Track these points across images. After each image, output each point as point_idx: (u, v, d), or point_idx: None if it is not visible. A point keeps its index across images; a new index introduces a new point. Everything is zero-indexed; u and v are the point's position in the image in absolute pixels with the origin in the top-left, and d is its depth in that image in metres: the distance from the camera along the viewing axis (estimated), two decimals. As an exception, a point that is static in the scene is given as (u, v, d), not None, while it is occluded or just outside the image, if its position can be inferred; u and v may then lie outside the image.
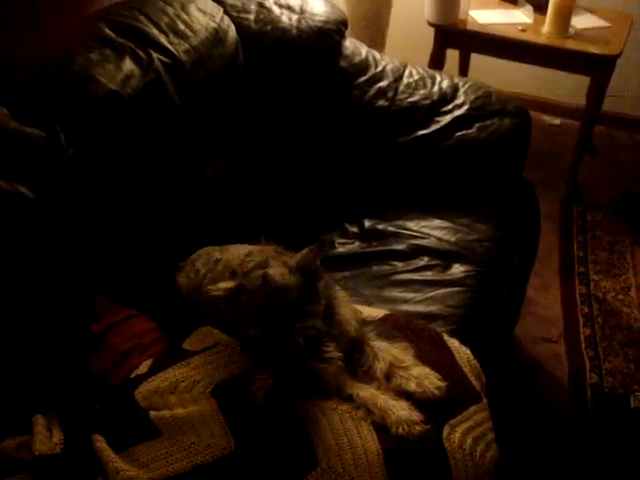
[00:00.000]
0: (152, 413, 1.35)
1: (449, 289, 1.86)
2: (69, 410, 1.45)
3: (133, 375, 1.49)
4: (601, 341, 2.58)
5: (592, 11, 3.21)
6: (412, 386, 1.42)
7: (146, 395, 1.40)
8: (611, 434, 2.24)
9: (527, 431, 2.24)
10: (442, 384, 1.43)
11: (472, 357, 1.58)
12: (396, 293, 1.84)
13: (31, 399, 1.48)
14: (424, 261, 1.94)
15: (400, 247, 1.98)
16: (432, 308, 1.78)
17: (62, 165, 1.62)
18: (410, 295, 1.83)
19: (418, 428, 1.35)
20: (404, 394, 1.40)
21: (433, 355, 1.54)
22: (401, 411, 1.36)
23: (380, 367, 1.45)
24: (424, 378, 1.43)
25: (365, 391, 1.39)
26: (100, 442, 1.34)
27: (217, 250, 1.69)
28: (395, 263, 1.94)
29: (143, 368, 1.50)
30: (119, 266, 1.76)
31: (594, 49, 2.93)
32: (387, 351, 1.49)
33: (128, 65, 1.81)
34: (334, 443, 1.30)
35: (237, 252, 1.59)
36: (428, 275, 1.90)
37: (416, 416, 1.36)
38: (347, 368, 1.42)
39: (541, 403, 2.35)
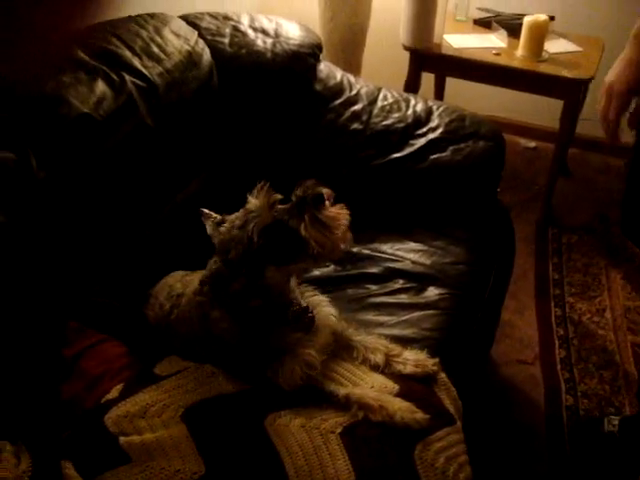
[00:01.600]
0: (122, 439, 1.34)
1: (424, 312, 1.85)
2: (38, 436, 1.42)
3: (104, 400, 1.47)
4: (577, 363, 2.59)
5: (565, 36, 3.25)
6: (411, 368, 1.53)
7: (116, 420, 1.38)
8: (586, 457, 2.24)
9: (502, 453, 2.23)
10: (434, 361, 1.56)
11: (448, 382, 1.58)
12: (370, 316, 1.83)
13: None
14: (399, 284, 1.94)
15: (375, 270, 1.98)
16: (407, 331, 1.77)
17: (33, 188, 1.60)
18: (384, 318, 1.82)
19: (420, 415, 1.39)
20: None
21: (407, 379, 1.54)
22: (398, 402, 1.41)
23: (378, 358, 1.54)
24: (419, 359, 1.56)
25: (357, 389, 1.44)
26: (69, 469, 1.32)
27: (179, 281, 1.67)
28: (370, 286, 1.93)
29: (114, 393, 1.48)
30: (90, 290, 1.74)
31: (567, 73, 2.96)
32: (377, 342, 1.58)
33: (101, 88, 1.80)
34: (304, 463, 1.30)
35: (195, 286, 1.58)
36: (403, 298, 1.89)
37: (413, 406, 1.41)
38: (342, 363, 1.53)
39: (517, 425, 2.35)
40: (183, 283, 1.65)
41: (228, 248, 1.40)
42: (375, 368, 1.54)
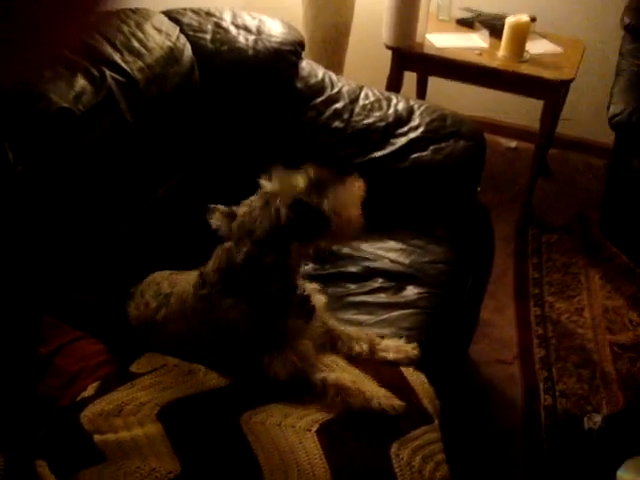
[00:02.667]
0: (96, 437, 1.33)
1: (402, 311, 1.85)
2: (11, 434, 1.41)
3: (79, 398, 1.46)
4: (555, 362, 2.60)
5: (546, 37, 3.27)
6: (392, 355, 1.60)
7: (91, 418, 1.37)
8: (565, 456, 2.25)
9: (480, 453, 2.24)
10: (412, 346, 1.63)
11: (425, 380, 1.59)
12: (350, 315, 1.83)
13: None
14: (378, 283, 1.94)
15: (354, 269, 1.98)
16: (385, 330, 1.77)
17: (10, 181, 1.59)
18: (363, 317, 1.82)
19: (397, 402, 1.43)
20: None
21: (386, 376, 1.54)
22: (376, 388, 1.46)
23: (363, 347, 1.59)
24: (399, 345, 1.63)
25: (333, 373, 1.47)
26: (43, 468, 1.31)
27: (166, 280, 1.66)
28: (349, 285, 1.93)
29: (90, 390, 1.47)
30: (68, 286, 1.73)
31: (548, 74, 2.98)
32: (358, 332, 1.64)
33: (80, 82, 1.79)
34: (279, 461, 1.29)
35: (186, 283, 1.58)
36: (382, 297, 1.90)
37: (389, 393, 1.46)
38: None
39: (495, 424, 2.36)
40: (170, 282, 1.64)
41: (252, 228, 1.41)
42: (358, 357, 1.57)
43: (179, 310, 1.56)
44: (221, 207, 1.47)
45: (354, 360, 1.58)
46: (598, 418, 2.24)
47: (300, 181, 1.42)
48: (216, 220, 1.46)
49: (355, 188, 1.45)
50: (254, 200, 1.43)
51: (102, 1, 0.48)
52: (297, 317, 1.50)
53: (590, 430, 2.22)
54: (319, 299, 1.61)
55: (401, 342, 1.65)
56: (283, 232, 1.39)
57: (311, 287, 1.62)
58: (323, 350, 1.57)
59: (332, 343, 1.60)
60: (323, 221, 1.39)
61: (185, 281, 1.59)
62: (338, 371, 1.50)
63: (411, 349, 1.62)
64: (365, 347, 1.59)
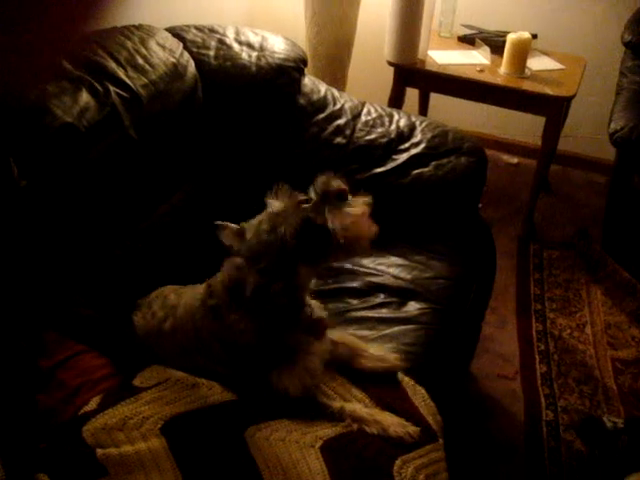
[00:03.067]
0: (99, 451, 1.32)
1: (404, 327, 1.85)
2: (13, 448, 1.41)
3: (82, 412, 1.46)
4: (557, 378, 2.60)
5: (547, 54, 3.28)
6: (373, 363, 1.60)
7: (93, 432, 1.37)
8: (567, 471, 2.25)
9: (482, 469, 2.24)
10: (395, 356, 1.64)
11: (427, 397, 1.59)
12: (351, 330, 1.81)
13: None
14: (379, 298, 1.94)
15: (355, 284, 1.98)
16: (387, 346, 1.76)
17: (14, 196, 1.60)
18: (365, 332, 1.82)
19: (412, 428, 1.44)
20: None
21: (388, 395, 1.55)
22: (389, 418, 1.46)
23: (343, 352, 1.60)
24: (383, 355, 1.63)
25: (349, 404, 1.48)
26: (44, 481, 1.31)
27: (173, 292, 1.67)
28: (350, 300, 1.93)
29: (92, 404, 1.47)
30: (70, 300, 1.74)
31: (549, 90, 2.99)
32: (344, 337, 1.64)
33: (85, 98, 1.80)
34: (283, 477, 1.30)
35: (193, 295, 1.58)
36: (383, 312, 1.90)
37: (403, 421, 1.46)
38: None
39: (496, 440, 2.35)
40: (177, 294, 1.65)
41: (259, 255, 1.40)
42: (339, 361, 1.58)
43: (187, 320, 1.56)
44: (231, 225, 1.47)
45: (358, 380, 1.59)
46: (616, 419, 2.24)
47: (306, 199, 1.42)
48: (227, 238, 1.46)
49: (363, 203, 1.45)
50: (262, 222, 1.41)
51: (95, 18, 0.49)
52: (306, 333, 1.50)
53: (615, 430, 2.21)
54: (324, 317, 1.61)
55: (385, 351, 1.65)
56: (290, 257, 1.39)
57: (316, 305, 1.61)
58: (330, 367, 1.57)
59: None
60: (330, 240, 1.38)
61: (192, 293, 1.60)
62: (350, 399, 1.51)
63: (393, 359, 1.62)
64: (346, 353, 1.59)
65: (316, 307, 1.60)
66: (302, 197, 1.42)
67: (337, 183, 1.41)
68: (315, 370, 1.47)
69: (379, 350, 1.64)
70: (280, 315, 1.46)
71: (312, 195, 1.42)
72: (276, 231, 1.38)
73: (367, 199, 1.45)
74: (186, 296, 1.61)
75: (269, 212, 1.42)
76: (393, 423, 1.44)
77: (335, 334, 1.62)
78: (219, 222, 1.48)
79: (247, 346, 1.48)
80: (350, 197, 1.43)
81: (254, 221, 1.43)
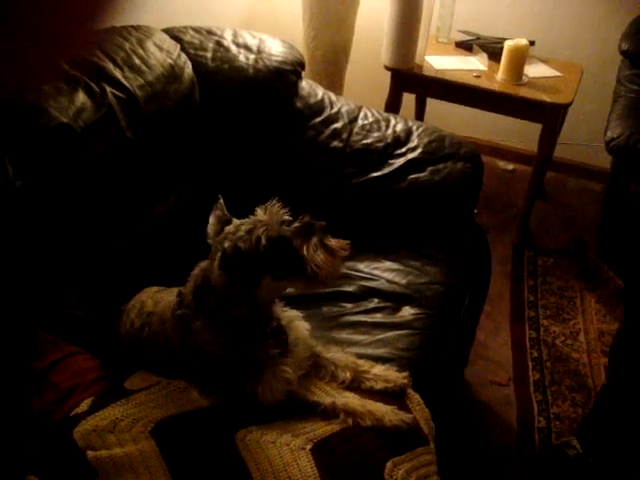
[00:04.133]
0: (89, 453, 1.32)
1: (398, 332, 1.85)
2: (5, 450, 1.40)
3: (73, 413, 1.45)
4: (550, 385, 2.60)
5: (545, 61, 3.29)
6: (381, 384, 1.56)
7: (84, 434, 1.36)
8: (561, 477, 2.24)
9: (474, 474, 2.23)
10: (403, 375, 1.59)
11: (421, 401, 1.58)
12: (345, 335, 1.82)
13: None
14: (374, 303, 1.94)
15: (350, 289, 1.98)
16: (381, 351, 1.77)
17: (9, 196, 1.59)
18: (359, 337, 1.82)
19: (407, 415, 1.45)
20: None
21: (381, 399, 1.54)
22: (382, 406, 1.46)
23: (346, 375, 1.56)
24: (389, 375, 1.58)
25: (341, 398, 1.48)
26: (35, 483, 1.30)
27: (151, 298, 1.66)
28: (345, 304, 1.93)
29: (84, 406, 1.46)
30: (64, 301, 1.73)
31: (546, 97, 3.00)
32: (345, 359, 1.59)
33: (81, 98, 1.80)
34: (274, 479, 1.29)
35: (168, 304, 1.57)
36: (378, 317, 1.90)
37: (396, 408, 1.47)
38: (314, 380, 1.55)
39: (489, 446, 2.35)
40: (154, 300, 1.63)
41: (228, 254, 1.39)
42: (342, 384, 1.55)
43: (159, 330, 1.55)
44: (225, 211, 1.46)
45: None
46: (574, 442, 2.23)
47: (292, 220, 1.42)
48: (212, 219, 1.46)
49: (342, 246, 1.44)
50: (243, 223, 1.41)
51: (98, 16, 0.48)
52: (273, 347, 1.48)
53: (578, 456, 2.20)
54: (302, 326, 1.58)
55: (391, 371, 1.61)
56: (257, 263, 1.38)
57: (293, 314, 1.60)
58: (307, 377, 1.55)
59: (316, 370, 1.58)
60: (299, 265, 1.38)
61: (167, 300, 1.58)
62: (338, 396, 1.49)
63: (402, 378, 1.59)
64: (349, 375, 1.56)
65: (294, 318, 1.58)
66: (288, 217, 1.42)
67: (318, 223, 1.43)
68: (289, 380, 1.45)
69: (383, 369, 1.60)
70: (244, 326, 1.45)
71: (298, 222, 1.42)
72: (253, 232, 1.38)
73: (347, 244, 1.45)
74: (162, 303, 1.59)
75: (254, 218, 1.42)
76: (387, 412, 1.44)
77: (337, 357, 1.60)
78: (220, 201, 1.48)
79: (215, 357, 1.47)
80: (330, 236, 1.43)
81: (237, 221, 1.43)
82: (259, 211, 1.43)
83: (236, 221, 1.44)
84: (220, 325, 1.44)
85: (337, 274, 1.45)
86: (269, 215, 1.41)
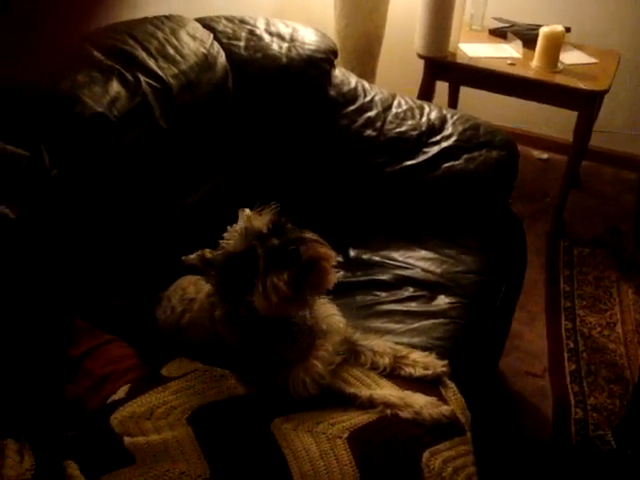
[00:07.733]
0: (126, 439, 1.33)
1: (433, 321, 1.83)
2: (42, 435, 1.42)
3: (110, 400, 1.46)
4: (586, 376, 2.56)
5: (580, 48, 3.24)
6: (420, 371, 1.55)
7: (121, 420, 1.37)
8: (594, 471, 2.21)
9: (510, 466, 2.21)
10: (443, 363, 1.58)
11: (457, 391, 1.57)
12: (380, 324, 1.81)
13: (4, 423, 1.45)
14: (409, 292, 1.92)
15: (385, 277, 1.97)
16: (416, 340, 1.76)
17: (45, 185, 1.60)
18: (394, 326, 1.81)
19: (446, 407, 1.43)
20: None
21: (419, 387, 1.53)
22: (421, 398, 1.44)
23: (385, 361, 1.55)
24: (428, 361, 1.58)
25: (379, 390, 1.47)
26: (72, 469, 1.31)
27: (193, 285, 1.66)
28: (379, 293, 1.92)
29: (120, 393, 1.48)
30: (99, 290, 1.74)
31: (582, 84, 2.95)
32: (384, 345, 1.59)
33: (115, 88, 1.80)
34: (310, 468, 1.29)
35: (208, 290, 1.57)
36: (412, 306, 1.88)
37: (435, 400, 1.45)
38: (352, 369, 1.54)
39: (524, 438, 2.33)
40: (196, 287, 1.64)
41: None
42: (383, 371, 1.54)
43: (201, 316, 1.56)
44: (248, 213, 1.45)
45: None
46: (609, 436, 2.20)
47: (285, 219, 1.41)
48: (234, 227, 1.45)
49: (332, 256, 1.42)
50: (236, 230, 1.42)
51: (104, 8, 0.48)
52: (300, 347, 1.47)
53: (610, 451, 2.17)
54: (337, 321, 1.57)
55: (431, 357, 1.60)
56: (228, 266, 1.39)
57: (328, 309, 1.58)
58: (346, 365, 1.54)
59: (356, 357, 1.57)
60: (297, 259, 1.34)
61: (209, 287, 1.59)
62: (377, 388, 1.48)
63: (441, 366, 1.58)
64: (388, 361, 1.55)
65: (326, 314, 1.56)
66: (276, 217, 1.41)
67: (318, 251, 1.39)
68: (321, 374, 1.44)
69: (423, 356, 1.59)
70: (260, 325, 1.44)
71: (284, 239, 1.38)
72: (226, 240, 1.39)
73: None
74: (204, 290, 1.60)
75: (245, 226, 1.41)
76: (425, 404, 1.42)
77: (375, 343, 1.59)
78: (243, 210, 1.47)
79: (233, 349, 1.48)
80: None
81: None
82: (254, 214, 1.42)
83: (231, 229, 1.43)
84: (238, 322, 1.45)
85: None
86: (245, 223, 1.40)
